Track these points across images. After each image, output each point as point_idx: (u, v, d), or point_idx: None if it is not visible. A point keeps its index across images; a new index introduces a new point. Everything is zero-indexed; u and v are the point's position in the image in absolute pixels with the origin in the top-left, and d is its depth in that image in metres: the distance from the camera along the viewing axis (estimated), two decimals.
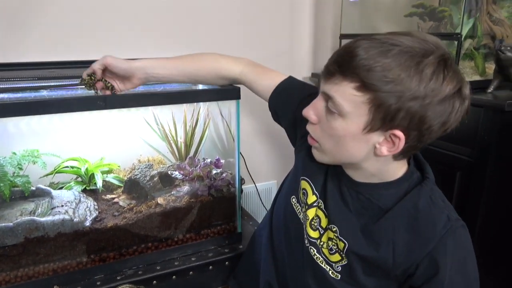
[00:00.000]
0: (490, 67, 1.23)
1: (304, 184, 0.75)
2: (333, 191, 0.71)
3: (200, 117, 1.41)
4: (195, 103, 1.41)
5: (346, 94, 0.56)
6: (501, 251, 1.22)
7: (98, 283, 1.04)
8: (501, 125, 1.00)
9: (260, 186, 1.76)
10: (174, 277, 1.10)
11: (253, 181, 1.66)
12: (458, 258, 0.62)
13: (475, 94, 1.08)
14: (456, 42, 1.10)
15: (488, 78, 1.14)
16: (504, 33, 1.37)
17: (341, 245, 0.69)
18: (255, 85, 0.93)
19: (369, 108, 0.55)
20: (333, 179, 0.71)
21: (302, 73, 1.78)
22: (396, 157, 0.62)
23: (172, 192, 1.17)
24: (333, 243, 0.71)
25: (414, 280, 0.64)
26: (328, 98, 0.59)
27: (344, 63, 0.56)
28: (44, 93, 1.09)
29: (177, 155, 1.39)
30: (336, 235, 0.70)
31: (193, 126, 1.39)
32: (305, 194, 0.75)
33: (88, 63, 1.25)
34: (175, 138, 1.37)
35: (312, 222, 0.74)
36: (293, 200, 0.80)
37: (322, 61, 1.77)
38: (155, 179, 1.20)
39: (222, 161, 1.28)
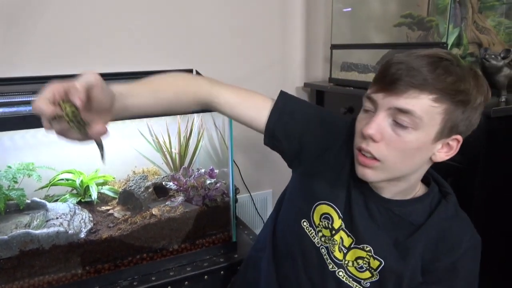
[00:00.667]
0: (489, 94, 1.25)
1: (325, 209, 0.73)
2: (359, 210, 0.70)
3: (194, 128, 1.43)
4: (189, 114, 1.43)
5: (425, 107, 0.57)
6: (491, 254, 1.23)
7: None
8: (488, 131, 1.03)
9: (256, 196, 1.77)
10: (169, 287, 1.10)
11: (248, 190, 1.67)
12: (472, 269, 0.68)
13: None
14: None
15: None
16: (491, 41, 1.41)
17: (375, 264, 0.70)
18: (240, 107, 0.75)
19: (442, 118, 0.58)
20: (358, 197, 0.71)
21: (295, 83, 1.80)
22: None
23: (167, 203, 1.18)
24: (364, 262, 0.71)
25: (427, 277, 0.68)
26: (398, 112, 0.58)
27: (419, 77, 0.57)
28: None
29: (171, 166, 1.40)
30: (370, 254, 0.70)
31: (187, 137, 1.40)
32: (329, 218, 0.73)
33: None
34: (169, 149, 1.39)
35: (339, 244, 0.73)
36: (305, 224, 0.76)
37: (314, 71, 1.82)
38: (150, 190, 1.21)
39: (216, 171, 1.29)
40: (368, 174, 0.63)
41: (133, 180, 1.25)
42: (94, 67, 1.40)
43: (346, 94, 1.51)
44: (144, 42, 1.48)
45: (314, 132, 0.74)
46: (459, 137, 0.63)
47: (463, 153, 1.09)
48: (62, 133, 0.52)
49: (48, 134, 0.52)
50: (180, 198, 1.18)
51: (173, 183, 1.21)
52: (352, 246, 0.72)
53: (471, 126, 0.63)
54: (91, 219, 1.14)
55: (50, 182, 1.23)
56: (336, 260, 0.73)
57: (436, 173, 0.75)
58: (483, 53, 1.08)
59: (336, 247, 0.73)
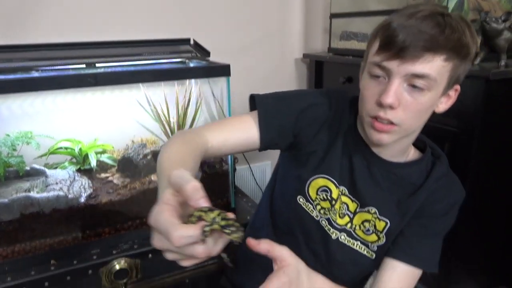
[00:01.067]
0: (479, 41, 1.24)
1: (322, 182, 0.74)
2: (362, 175, 0.72)
3: (192, 97, 1.42)
4: (187, 84, 1.42)
5: (438, 68, 0.58)
6: (487, 219, 1.25)
7: (94, 257, 1.06)
8: (486, 94, 1.02)
9: (254, 167, 1.78)
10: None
11: (247, 161, 1.68)
12: (454, 218, 0.77)
13: None
14: None
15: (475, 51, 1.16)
16: (492, 8, 1.39)
17: (381, 225, 0.73)
18: (230, 141, 0.72)
19: (449, 74, 0.60)
20: (361, 163, 0.72)
21: (294, 54, 1.79)
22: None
23: None
24: (370, 224, 0.73)
25: (423, 212, 0.73)
26: (414, 77, 0.59)
27: (432, 41, 0.57)
28: (35, 74, 1.10)
29: (170, 135, 1.40)
30: (376, 216, 0.73)
31: (185, 106, 1.40)
32: (328, 190, 0.74)
33: (80, 45, 1.26)
34: (167, 119, 1.39)
35: (340, 212, 0.75)
36: (301, 200, 0.77)
37: (314, 41, 1.80)
38: (149, 157, 1.22)
39: None
40: (384, 139, 0.64)
41: (132, 148, 1.25)
42: (89, 36, 1.39)
43: (345, 64, 1.50)
44: (141, 11, 1.47)
45: (303, 120, 0.74)
46: (458, 87, 0.66)
47: (461, 118, 1.10)
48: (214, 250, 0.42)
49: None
50: None
51: None
52: (357, 210, 0.74)
53: (465, 74, 0.65)
54: (91, 185, 1.15)
55: (49, 151, 1.24)
56: (339, 227, 0.75)
57: (426, 138, 0.77)
58: (483, 16, 1.06)
59: (337, 215, 0.74)
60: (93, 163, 1.23)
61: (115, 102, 1.39)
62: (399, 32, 0.57)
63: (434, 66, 0.58)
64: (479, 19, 1.11)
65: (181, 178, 0.43)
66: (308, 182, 0.75)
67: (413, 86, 0.59)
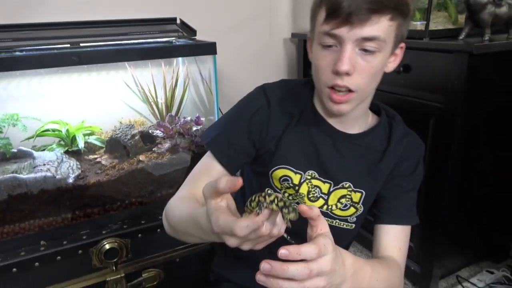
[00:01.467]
0: (464, 17, 1.24)
1: (281, 172, 0.74)
2: (329, 153, 0.73)
3: (180, 78, 1.42)
4: (174, 64, 1.41)
5: (385, 28, 0.59)
6: (470, 193, 1.28)
7: (84, 237, 1.07)
8: (470, 68, 1.03)
9: None
10: (159, 230, 1.13)
11: None
12: (422, 170, 0.78)
13: (446, 41, 1.10)
14: None
15: (461, 27, 1.16)
16: None
17: (356, 196, 0.75)
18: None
19: (395, 33, 0.61)
20: (326, 142, 0.73)
21: (282, 34, 1.78)
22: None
23: (154, 149, 1.19)
24: (346, 199, 0.75)
25: (396, 174, 0.75)
26: (364, 41, 0.59)
27: (376, 2, 0.57)
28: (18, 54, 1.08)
29: (158, 116, 1.40)
30: (351, 189, 0.74)
31: (173, 86, 1.39)
32: (288, 179, 0.74)
33: (65, 25, 1.24)
34: (155, 99, 1.38)
35: (310, 196, 0.75)
36: (269, 191, 0.76)
37: (302, 21, 1.78)
38: (136, 137, 1.21)
39: (203, 119, 1.30)
40: (344, 108, 0.65)
41: (119, 129, 1.25)
42: (75, 16, 1.37)
43: None
44: None
45: (254, 132, 0.73)
46: (403, 44, 0.67)
47: (445, 94, 1.11)
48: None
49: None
50: (166, 145, 1.19)
51: (159, 130, 1.22)
52: (331, 189, 0.75)
53: (407, 31, 0.67)
54: (79, 166, 1.15)
55: (36, 133, 1.23)
56: None
57: (378, 101, 0.78)
58: None
59: (305, 199, 0.76)
60: (81, 144, 1.23)
61: (102, 84, 1.37)
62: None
63: (382, 27, 0.58)
64: None
65: (210, 185, 0.47)
66: (270, 175, 0.76)
67: (365, 50, 0.60)
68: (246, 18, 1.68)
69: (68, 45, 1.13)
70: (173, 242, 1.13)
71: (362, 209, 0.76)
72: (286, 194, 0.77)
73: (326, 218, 0.76)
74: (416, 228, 1.31)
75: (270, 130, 0.73)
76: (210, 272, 0.96)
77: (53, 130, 1.27)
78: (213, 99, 1.29)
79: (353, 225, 0.77)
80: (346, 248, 0.86)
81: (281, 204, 0.43)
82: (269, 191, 0.45)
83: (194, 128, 1.24)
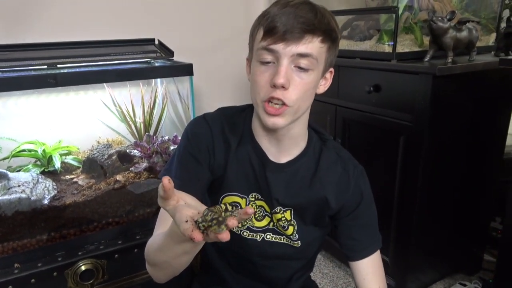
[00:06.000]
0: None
1: (230, 199, 0.77)
2: (263, 180, 0.76)
3: (158, 97, 1.43)
4: (153, 84, 1.43)
5: (317, 48, 0.65)
6: (441, 207, 1.32)
7: (59, 259, 1.06)
8: (434, 89, 1.08)
9: None
10: (136, 250, 1.13)
11: None
12: (369, 189, 0.80)
13: (412, 63, 1.16)
14: (394, 15, 1.18)
15: (426, 49, 1.22)
16: (444, 8, 1.47)
17: (288, 214, 0.77)
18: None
19: (325, 56, 0.67)
20: (260, 169, 0.76)
21: None
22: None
23: (131, 169, 1.20)
24: (283, 221, 0.78)
25: (346, 210, 0.77)
26: (300, 57, 0.64)
27: (308, 23, 0.63)
28: None
29: (136, 135, 1.41)
30: (283, 210, 0.77)
31: (151, 106, 1.41)
32: (237, 205, 0.77)
33: (43, 46, 1.25)
34: (133, 119, 1.39)
35: (257, 216, 0.79)
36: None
37: None
38: (114, 157, 1.22)
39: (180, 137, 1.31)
40: (279, 122, 0.68)
41: (96, 149, 1.25)
42: (54, 36, 1.38)
43: None
44: (105, 11, 1.47)
45: (205, 160, 0.76)
46: (332, 69, 0.73)
47: (413, 113, 1.16)
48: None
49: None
50: (144, 164, 1.20)
51: (137, 150, 1.23)
52: (272, 211, 0.78)
53: (335, 58, 0.72)
54: (55, 187, 1.15)
55: (11, 154, 1.23)
56: (260, 229, 0.79)
57: (315, 123, 0.81)
58: (430, 15, 1.13)
59: (253, 220, 0.79)
60: (57, 164, 1.22)
61: (80, 103, 1.38)
62: (279, 19, 0.64)
63: (314, 47, 0.64)
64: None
65: (159, 197, 0.52)
66: (220, 203, 0.79)
67: (300, 68, 0.65)
68: (226, 38, 1.73)
69: (45, 66, 1.14)
70: None
71: (295, 223, 0.78)
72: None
73: (275, 235, 0.79)
74: (390, 243, 1.35)
75: (216, 158, 0.76)
76: None
77: (29, 150, 1.27)
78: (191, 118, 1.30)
79: (299, 242, 0.79)
80: (308, 265, 0.88)
81: (208, 219, 0.47)
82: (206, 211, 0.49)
83: (172, 147, 1.25)
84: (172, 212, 0.51)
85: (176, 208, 0.51)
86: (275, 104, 0.66)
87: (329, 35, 0.65)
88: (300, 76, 0.65)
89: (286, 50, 0.63)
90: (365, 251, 0.78)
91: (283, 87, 0.64)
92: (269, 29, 0.64)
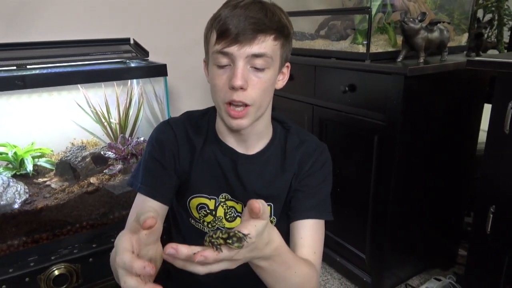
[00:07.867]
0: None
1: (197, 201, 0.77)
2: (233, 178, 0.77)
3: (134, 97, 1.42)
4: (129, 84, 1.41)
5: (271, 47, 0.65)
6: (414, 203, 1.35)
7: (32, 264, 1.04)
8: (406, 89, 1.10)
9: None
10: (111, 253, 1.12)
11: None
12: (328, 165, 0.81)
13: (386, 63, 1.18)
14: (367, 16, 1.19)
15: (399, 49, 1.24)
16: (419, 8, 1.49)
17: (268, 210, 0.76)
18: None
19: (280, 52, 0.68)
20: (230, 166, 0.77)
21: None
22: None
23: (105, 171, 1.18)
24: None
25: (300, 182, 0.78)
26: (255, 57, 0.64)
27: (260, 23, 0.64)
28: None
29: (112, 136, 1.39)
30: None
31: (127, 106, 1.39)
32: (205, 206, 0.77)
33: (13, 46, 1.22)
34: (108, 120, 1.37)
35: (228, 217, 0.79)
36: (192, 221, 0.80)
37: None
38: (87, 159, 1.20)
39: None
40: (242, 123, 0.69)
41: (70, 151, 1.23)
42: (30, 36, 1.35)
43: None
44: (80, 11, 1.44)
45: (170, 164, 0.76)
46: (289, 64, 0.74)
47: (386, 112, 1.18)
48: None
49: None
50: (118, 166, 1.19)
51: (111, 152, 1.21)
52: (244, 209, 0.77)
53: (290, 52, 0.73)
54: (27, 190, 1.13)
55: None
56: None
57: (278, 113, 0.82)
58: (402, 16, 1.14)
59: (223, 221, 0.79)
60: (29, 167, 1.20)
61: (54, 105, 1.35)
62: (231, 21, 0.64)
63: (268, 46, 0.65)
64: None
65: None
66: (188, 206, 0.79)
67: (255, 68, 0.66)
68: (200, 38, 1.71)
69: (14, 68, 1.11)
70: None
71: (275, 220, 0.79)
72: (205, 223, 0.79)
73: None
74: (365, 240, 1.37)
75: (181, 162, 0.76)
76: None
77: (0, 153, 1.24)
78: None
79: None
80: None
81: (225, 236, 0.47)
82: (211, 232, 0.49)
83: None
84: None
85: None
86: (237, 106, 0.67)
87: (282, 32, 0.66)
88: (257, 76, 0.66)
89: (241, 52, 0.64)
90: (306, 212, 0.76)
91: (241, 88, 0.65)
92: (221, 32, 0.64)
